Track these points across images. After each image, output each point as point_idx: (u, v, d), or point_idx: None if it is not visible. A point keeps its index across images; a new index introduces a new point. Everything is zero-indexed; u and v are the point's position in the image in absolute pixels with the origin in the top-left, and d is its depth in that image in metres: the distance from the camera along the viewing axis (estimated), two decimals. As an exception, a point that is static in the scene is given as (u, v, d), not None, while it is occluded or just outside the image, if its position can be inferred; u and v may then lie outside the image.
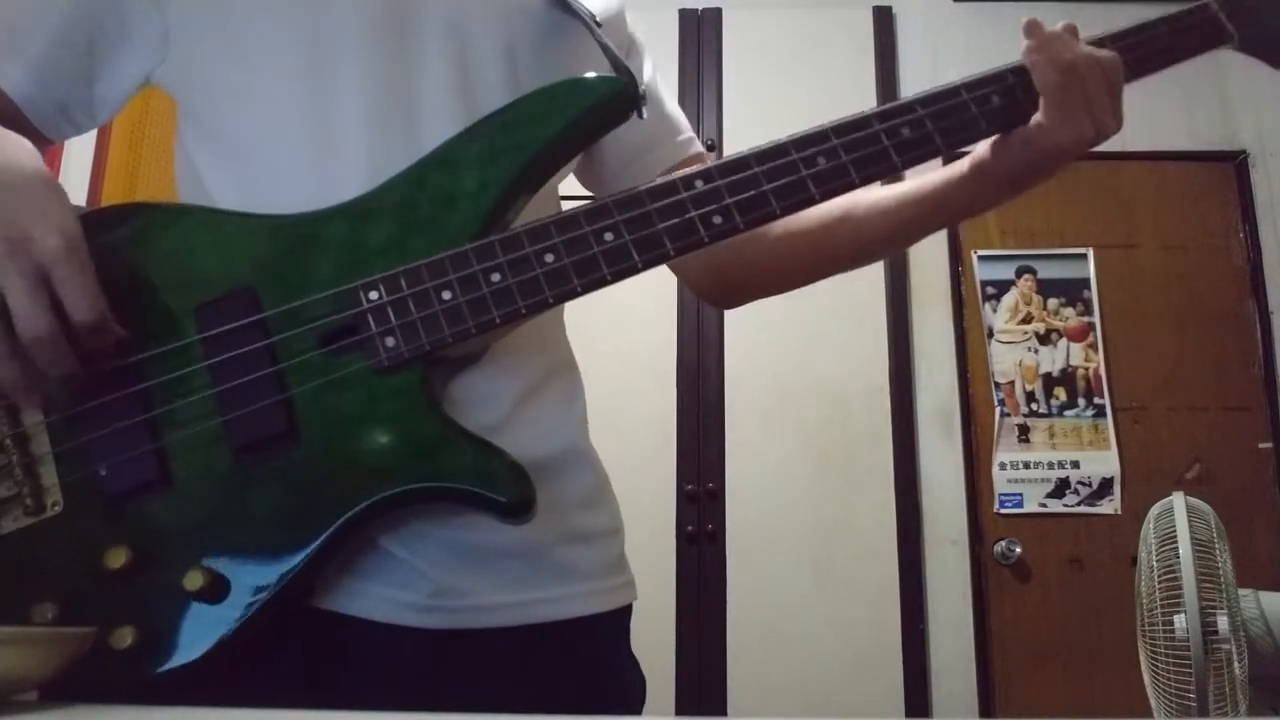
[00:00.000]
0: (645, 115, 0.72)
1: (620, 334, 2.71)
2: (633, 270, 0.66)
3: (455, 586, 0.67)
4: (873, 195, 0.82)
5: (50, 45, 0.74)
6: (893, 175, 0.73)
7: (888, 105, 0.73)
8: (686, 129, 0.91)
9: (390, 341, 0.63)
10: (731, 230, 0.68)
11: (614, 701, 0.73)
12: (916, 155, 0.72)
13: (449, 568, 0.67)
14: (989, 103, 0.73)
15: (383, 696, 0.65)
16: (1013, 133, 0.73)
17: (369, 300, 0.64)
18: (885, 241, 0.84)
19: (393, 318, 0.63)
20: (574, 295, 0.66)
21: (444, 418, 0.63)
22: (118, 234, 0.65)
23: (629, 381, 2.72)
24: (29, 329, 0.57)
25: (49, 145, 0.79)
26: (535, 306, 0.65)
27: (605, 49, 0.74)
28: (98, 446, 0.61)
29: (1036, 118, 0.72)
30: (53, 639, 0.50)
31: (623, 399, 2.68)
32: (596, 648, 0.74)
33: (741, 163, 0.69)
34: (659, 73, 0.92)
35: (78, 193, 2.73)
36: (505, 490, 0.62)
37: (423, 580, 0.66)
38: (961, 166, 0.78)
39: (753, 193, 0.68)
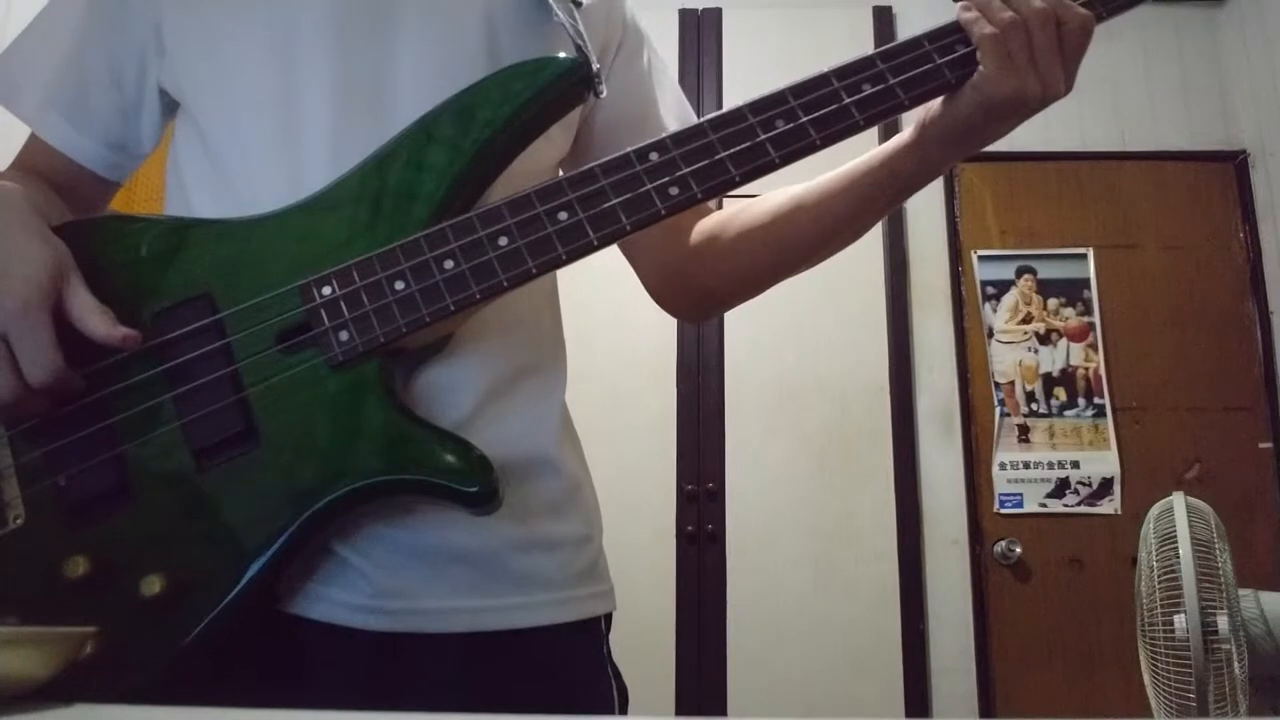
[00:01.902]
0: (603, 95, 0.70)
1: (620, 334, 2.71)
2: (589, 248, 0.65)
3: (397, 589, 0.66)
4: (822, 180, 0.79)
5: (78, 86, 0.77)
6: (855, 133, 0.69)
7: (847, 62, 0.70)
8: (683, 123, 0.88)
9: (344, 336, 0.62)
10: (689, 201, 0.66)
11: (575, 712, 0.71)
12: (879, 110, 0.69)
13: (394, 570, 0.66)
14: (952, 51, 0.70)
15: (326, 696, 0.64)
16: (956, 91, 0.71)
17: (321, 295, 0.63)
18: (841, 224, 0.80)
19: (345, 311, 0.62)
20: (529, 278, 0.64)
21: (403, 410, 0.63)
22: (75, 249, 0.65)
23: (629, 381, 2.72)
24: None
25: (115, 188, 0.82)
26: (490, 291, 0.63)
27: (566, 28, 0.73)
28: (57, 457, 0.61)
29: (978, 72, 0.69)
30: (53, 639, 0.50)
31: (623, 399, 2.68)
32: (554, 659, 0.71)
33: (697, 131, 0.67)
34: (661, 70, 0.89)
35: (78, 193, 2.73)
36: (466, 480, 0.60)
37: (366, 582, 0.65)
38: (906, 132, 0.75)
39: (709, 161, 0.66)
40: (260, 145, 0.71)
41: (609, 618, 0.78)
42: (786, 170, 0.69)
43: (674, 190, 0.66)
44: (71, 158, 0.77)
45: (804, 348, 2.77)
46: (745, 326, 2.77)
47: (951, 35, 0.71)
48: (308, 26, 0.72)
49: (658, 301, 0.91)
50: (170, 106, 0.79)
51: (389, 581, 0.66)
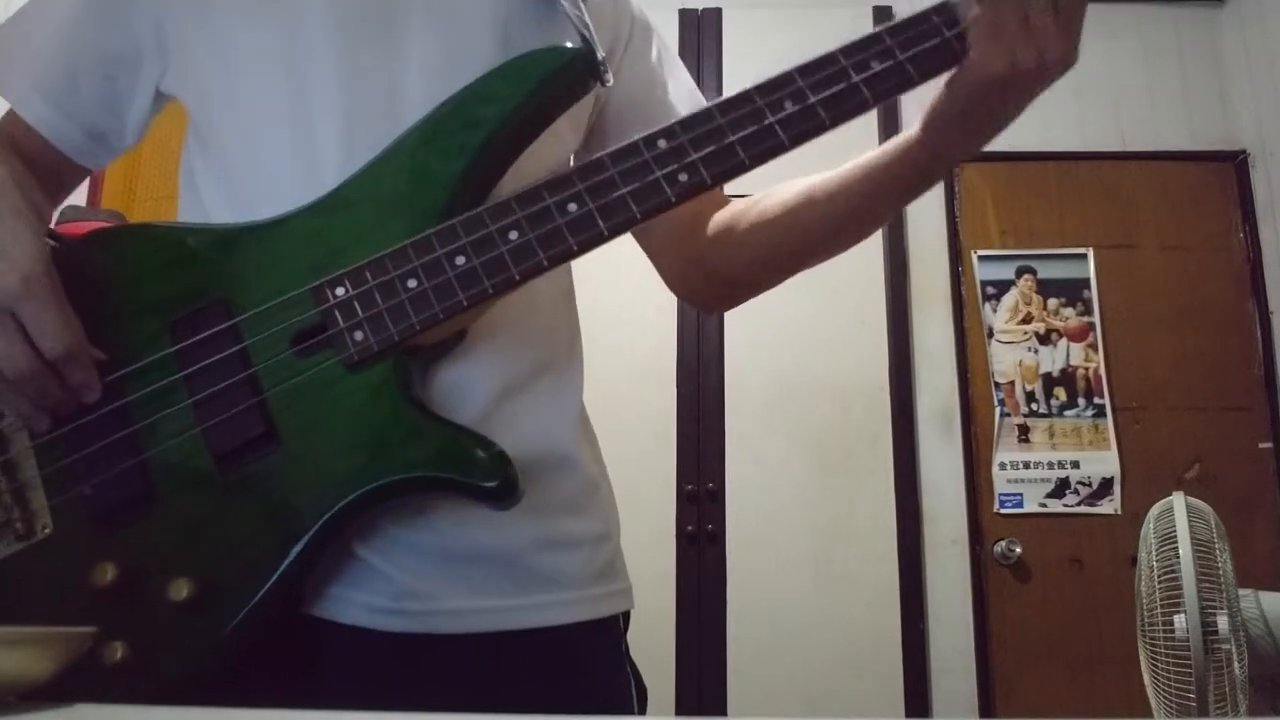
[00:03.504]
0: (609, 83, 0.70)
1: (620, 334, 2.71)
2: (599, 238, 0.64)
3: (421, 590, 0.66)
4: (835, 172, 0.78)
5: (68, 74, 0.76)
6: (865, 111, 0.67)
7: (854, 40, 0.68)
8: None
9: (359, 336, 0.62)
10: (699, 186, 0.65)
11: (592, 712, 0.71)
12: (889, 87, 0.67)
13: (416, 571, 0.66)
14: (960, 23, 0.67)
15: (347, 698, 0.65)
16: (954, 72, 0.69)
17: (335, 296, 0.63)
18: (852, 217, 0.79)
19: (359, 311, 0.63)
20: (541, 270, 0.64)
21: (420, 407, 0.63)
22: (91, 261, 0.66)
23: (629, 381, 2.72)
24: (7, 367, 0.60)
25: (86, 174, 0.82)
26: (502, 285, 0.63)
27: (571, 18, 0.72)
28: (82, 466, 0.62)
29: (969, 53, 0.66)
30: (53, 639, 0.50)
31: (623, 399, 2.68)
32: (575, 657, 0.71)
33: (705, 115, 0.66)
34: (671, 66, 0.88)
35: (78, 192, 2.73)
36: (485, 475, 0.61)
37: (387, 583, 0.65)
38: (915, 124, 0.74)
39: (717, 145, 0.65)
40: (273, 149, 0.71)
41: (627, 616, 0.78)
42: (797, 152, 0.68)
43: (683, 177, 0.65)
44: (50, 141, 0.77)
45: (804, 348, 2.77)
46: (745, 326, 2.77)
47: (959, 8, 0.69)
48: (316, 30, 0.72)
49: (677, 292, 0.91)
50: (159, 102, 0.79)
51: (410, 583, 0.66)
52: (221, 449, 0.61)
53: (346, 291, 0.63)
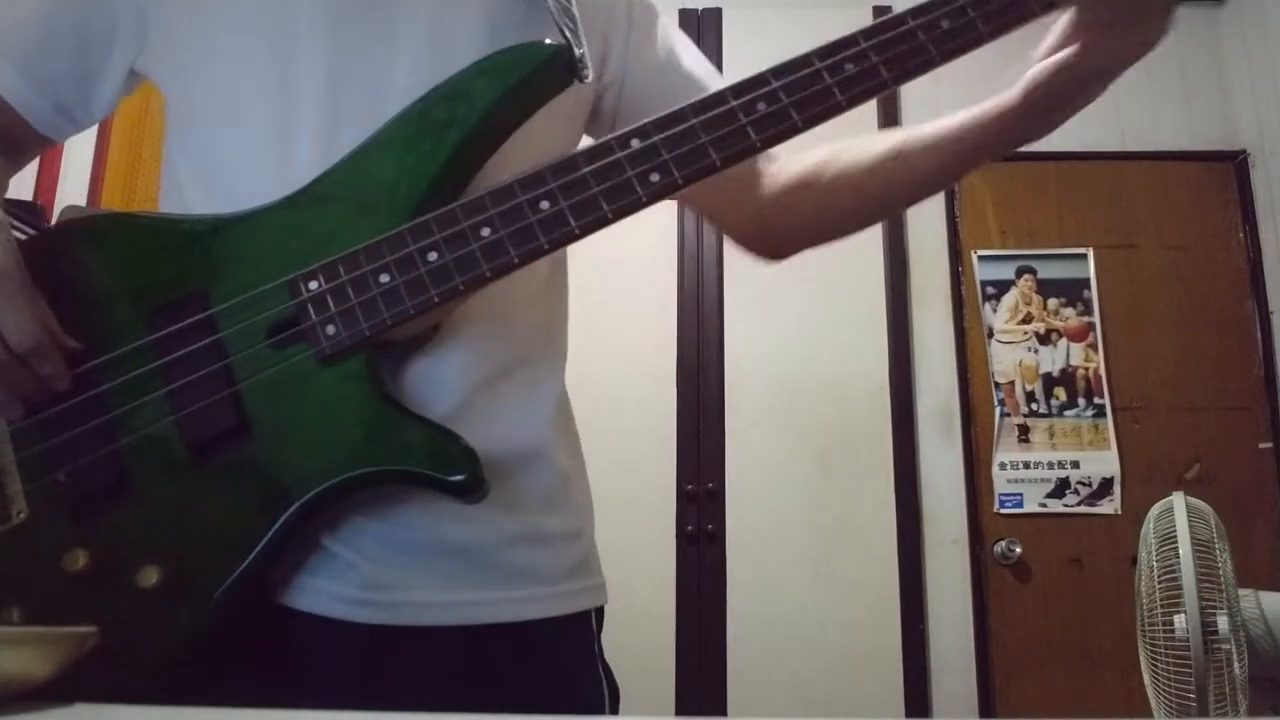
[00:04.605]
0: (587, 80, 0.70)
1: (620, 334, 2.71)
2: (571, 236, 0.65)
3: (388, 581, 0.66)
4: (925, 130, 0.79)
5: (41, 45, 0.76)
6: (838, 114, 0.68)
7: (830, 42, 0.69)
8: (712, 82, 0.85)
9: (331, 330, 0.63)
10: (670, 187, 0.66)
11: (564, 708, 0.71)
12: (862, 90, 0.68)
13: (383, 562, 0.66)
14: (938, 28, 0.69)
15: (319, 688, 0.65)
16: (1068, 58, 0.73)
17: (308, 290, 0.64)
18: (941, 174, 0.82)
19: (332, 305, 0.63)
20: (512, 267, 0.64)
21: (390, 402, 0.63)
22: (70, 249, 0.67)
23: (629, 381, 2.72)
24: None
25: (50, 145, 0.82)
26: (473, 281, 0.64)
27: (552, 12, 0.73)
28: (57, 452, 0.62)
29: (1079, 42, 0.70)
30: (53, 639, 0.50)
31: (623, 399, 2.68)
32: (546, 652, 0.71)
33: (678, 116, 0.67)
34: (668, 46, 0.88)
35: (78, 193, 2.73)
36: (452, 470, 0.61)
37: (353, 573, 0.66)
38: (1012, 94, 0.75)
39: (690, 146, 0.66)
40: (256, 142, 0.71)
41: (600, 612, 0.78)
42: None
43: (654, 177, 0.65)
44: (16, 109, 0.77)
45: (804, 348, 2.76)
46: (745, 326, 2.77)
47: (938, 10, 0.69)
48: (303, 23, 0.72)
49: (733, 240, 0.92)
50: (132, 81, 0.79)
51: (378, 574, 0.66)
52: (194, 439, 0.62)
53: (320, 285, 0.64)
